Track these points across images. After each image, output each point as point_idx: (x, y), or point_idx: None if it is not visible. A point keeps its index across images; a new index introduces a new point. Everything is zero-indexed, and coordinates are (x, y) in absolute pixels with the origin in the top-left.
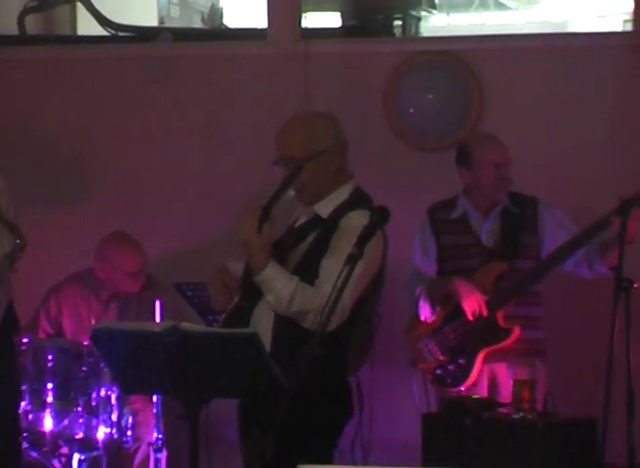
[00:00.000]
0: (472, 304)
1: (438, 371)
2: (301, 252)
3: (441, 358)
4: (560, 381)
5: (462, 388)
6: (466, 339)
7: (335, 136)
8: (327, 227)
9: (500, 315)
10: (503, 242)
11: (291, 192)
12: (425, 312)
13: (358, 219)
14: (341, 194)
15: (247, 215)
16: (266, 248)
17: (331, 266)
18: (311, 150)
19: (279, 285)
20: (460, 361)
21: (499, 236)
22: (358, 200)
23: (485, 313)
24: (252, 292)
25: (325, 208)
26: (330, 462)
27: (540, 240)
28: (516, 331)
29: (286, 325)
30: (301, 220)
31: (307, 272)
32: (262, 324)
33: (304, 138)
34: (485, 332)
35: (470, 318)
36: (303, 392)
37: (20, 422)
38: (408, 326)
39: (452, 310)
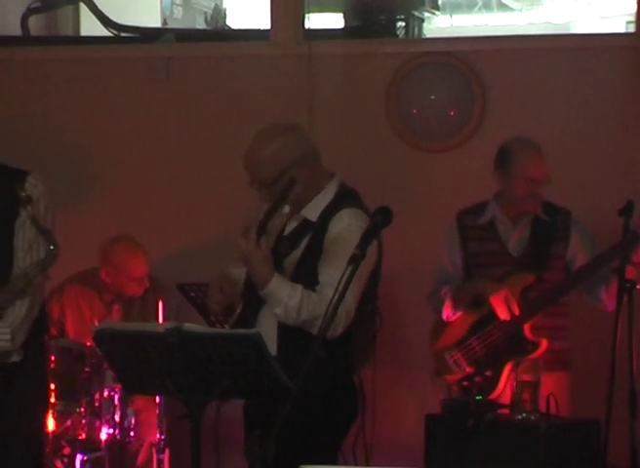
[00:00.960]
0: (501, 301)
1: (464, 383)
2: (296, 258)
3: (467, 369)
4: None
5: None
6: (493, 351)
7: (301, 146)
8: (317, 230)
9: (527, 327)
10: (532, 252)
11: (286, 207)
12: (447, 311)
13: (348, 219)
14: (326, 195)
15: (246, 232)
16: (267, 260)
17: (332, 273)
18: (281, 166)
19: (285, 296)
20: (487, 373)
21: (527, 245)
22: (344, 198)
23: (517, 311)
24: (253, 302)
25: (312, 211)
26: (335, 463)
27: (567, 252)
28: (544, 344)
29: (290, 331)
30: (291, 226)
31: (305, 278)
32: (266, 331)
33: (271, 158)
34: (512, 345)
35: (502, 317)
36: (308, 393)
37: (45, 428)
38: (431, 335)
39: (478, 319)
